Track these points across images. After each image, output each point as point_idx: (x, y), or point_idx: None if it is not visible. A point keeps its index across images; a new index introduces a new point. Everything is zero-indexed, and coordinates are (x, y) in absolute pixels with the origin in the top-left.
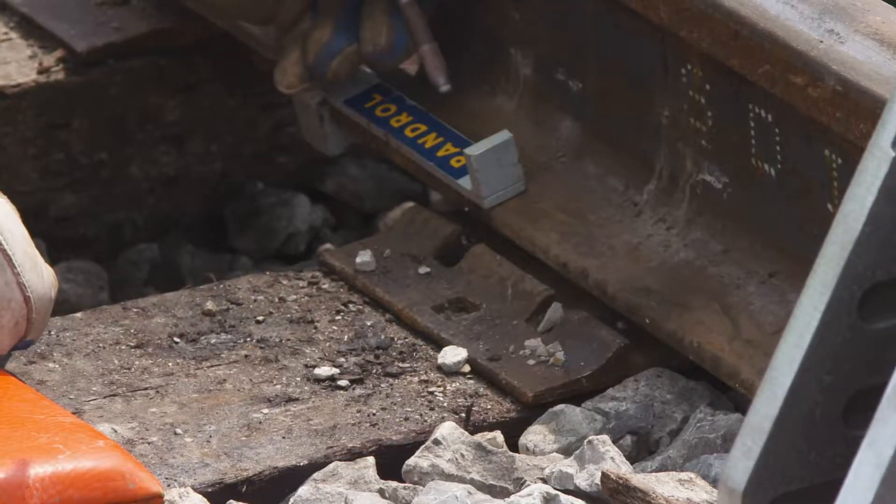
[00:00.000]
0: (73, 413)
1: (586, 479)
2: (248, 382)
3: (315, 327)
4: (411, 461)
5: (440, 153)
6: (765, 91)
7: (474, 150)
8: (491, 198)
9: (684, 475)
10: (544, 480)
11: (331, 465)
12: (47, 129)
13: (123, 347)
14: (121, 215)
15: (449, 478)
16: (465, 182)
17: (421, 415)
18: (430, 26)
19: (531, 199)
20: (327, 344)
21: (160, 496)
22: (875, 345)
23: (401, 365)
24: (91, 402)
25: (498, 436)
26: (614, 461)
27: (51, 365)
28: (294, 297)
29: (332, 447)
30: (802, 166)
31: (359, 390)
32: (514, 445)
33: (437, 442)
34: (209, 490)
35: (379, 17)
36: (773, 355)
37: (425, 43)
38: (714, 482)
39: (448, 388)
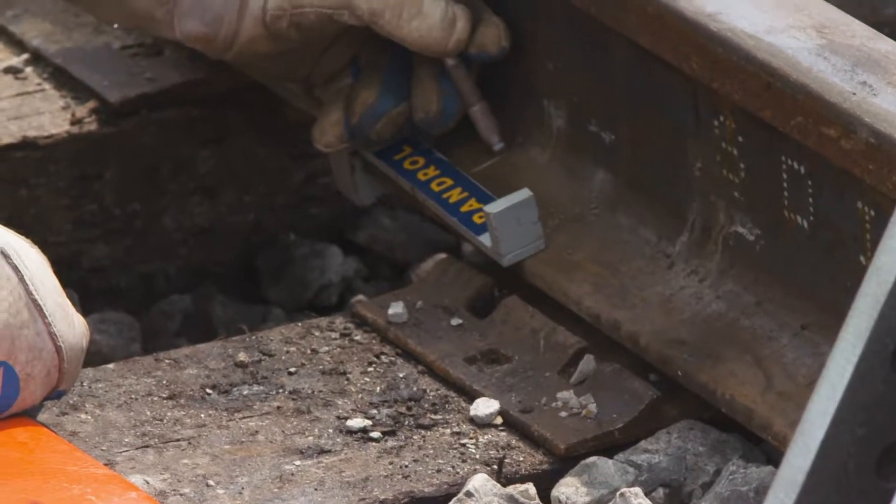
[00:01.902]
0: (106, 464)
1: None
2: (280, 434)
3: (347, 379)
4: None
5: (463, 208)
6: (797, 143)
7: (493, 207)
8: (509, 256)
9: None
10: None
11: None
12: (80, 180)
13: (155, 399)
14: (153, 266)
15: None
16: (485, 239)
17: (453, 466)
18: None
19: (564, 251)
20: (359, 395)
21: None
22: None
23: (433, 417)
24: (123, 454)
25: (530, 488)
26: None
27: (83, 416)
28: (326, 348)
29: (364, 499)
30: (835, 218)
31: (391, 442)
32: (546, 497)
33: (469, 494)
34: None
35: (428, 83)
36: (805, 407)
37: (475, 104)
38: None
39: (480, 439)
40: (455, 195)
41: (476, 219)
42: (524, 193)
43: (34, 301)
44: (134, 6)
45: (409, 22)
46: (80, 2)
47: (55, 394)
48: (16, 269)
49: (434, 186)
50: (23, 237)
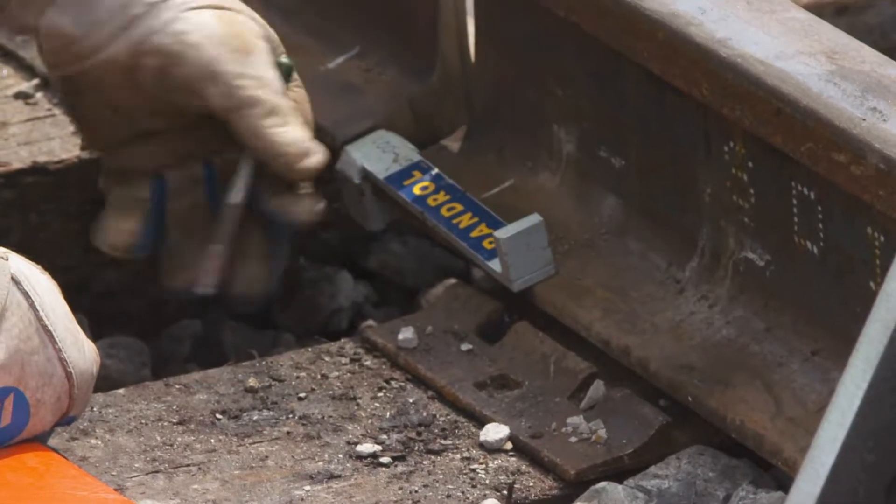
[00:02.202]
0: (116, 489)
1: None
2: (290, 459)
3: (357, 404)
4: None
5: (473, 234)
6: (807, 168)
7: (503, 233)
8: (519, 281)
9: None
10: None
11: None
12: (90, 205)
13: (166, 424)
14: (164, 291)
15: None
16: (494, 264)
17: (463, 492)
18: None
19: (573, 276)
20: (369, 421)
21: None
22: None
23: (443, 442)
24: (133, 479)
25: None
26: None
27: (93, 441)
28: (336, 373)
29: None
30: (845, 244)
31: (401, 467)
32: None
33: None
34: None
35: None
36: (815, 433)
37: (217, 244)
38: None
39: (490, 465)
40: (465, 220)
41: (486, 244)
42: (534, 219)
43: (44, 327)
44: None
45: (272, 128)
46: None
47: (65, 420)
48: (26, 294)
49: (444, 212)
50: (33, 263)
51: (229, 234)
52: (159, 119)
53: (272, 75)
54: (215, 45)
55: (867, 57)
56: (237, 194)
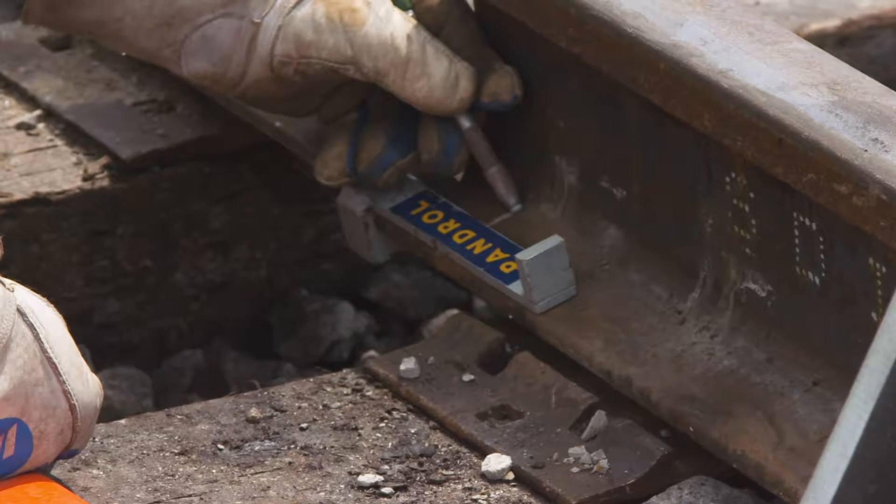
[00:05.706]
0: None
1: None
2: (291, 489)
3: (359, 434)
4: None
5: (489, 259)
6: (809, 199)
7: (526, 254)
8: (542, 303)
9: None
10: None
11: None
12: (92, 236)
13: (167, 454)
14: (165, 322)
15: None
16: (515, 287)
17: None
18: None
19: (575, 307)
20: (371, 451)
21: None
22: None
23: (444, 472)
24: None
25: None
26: None
27: (95, 471)
28: (338, 404)
29: None
30: (846, 275)
31: (402, 497)
32: None
33: None
34: None
35: (430, 125)
36: (817, 464)
37: (492, 166)
38: None
39: (492, 495)
40: (479, 246)
41: (504, 268)
42: (555, 240)
43: (49, 359)
44: (142, 45)
45: (412, 83)
46: (95, 36)
47: (68, 452)
48: (31, 326)
49: (457, 239)
50: (39, 296)
51: (490, 151)
52: (327, 87)
53: (388, 33)
54: (328, 33)
55: (869, 88)
56: (464, 121)
